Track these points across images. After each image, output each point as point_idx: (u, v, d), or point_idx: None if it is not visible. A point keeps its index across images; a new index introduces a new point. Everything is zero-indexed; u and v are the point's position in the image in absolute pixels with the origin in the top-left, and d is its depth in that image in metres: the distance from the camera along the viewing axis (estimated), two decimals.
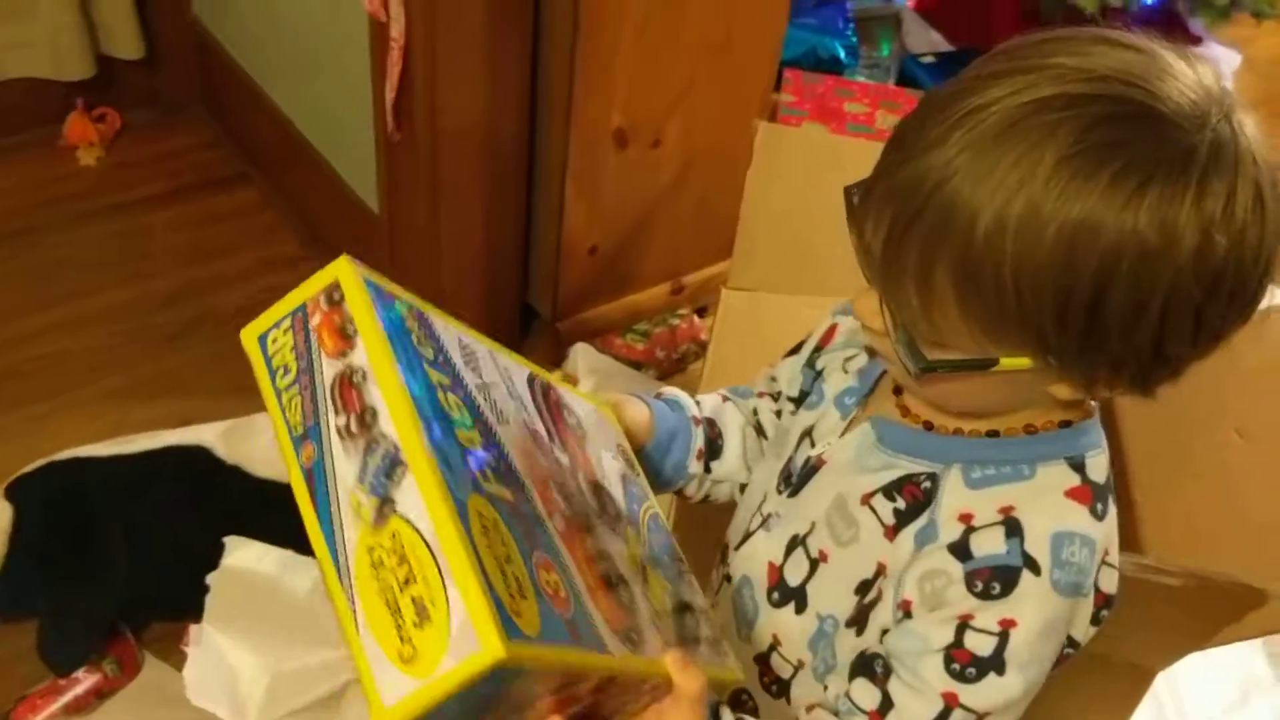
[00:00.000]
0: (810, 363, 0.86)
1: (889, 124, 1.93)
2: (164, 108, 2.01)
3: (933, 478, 0.71)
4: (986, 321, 0.61)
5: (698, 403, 0.89)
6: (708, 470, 0.88)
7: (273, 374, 0.59)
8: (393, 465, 0.53)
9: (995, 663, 0.66)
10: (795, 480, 0.80)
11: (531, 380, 0.73)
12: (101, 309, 1.69)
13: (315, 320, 0.58)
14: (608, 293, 1.64)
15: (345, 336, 0.57)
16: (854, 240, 0.65)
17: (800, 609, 0.77)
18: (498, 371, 0.68)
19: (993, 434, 0.70)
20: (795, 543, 0.78)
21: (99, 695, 1.19)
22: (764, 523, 0.82)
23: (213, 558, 1.18)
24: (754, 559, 0.82)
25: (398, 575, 0.51)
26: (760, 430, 0.91)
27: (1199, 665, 1.31)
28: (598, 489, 0.71)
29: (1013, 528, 0.67)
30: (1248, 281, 0.60)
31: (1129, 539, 1.14)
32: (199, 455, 1.24)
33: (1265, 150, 0.60)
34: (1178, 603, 0.95)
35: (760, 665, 0.80)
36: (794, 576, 0.78)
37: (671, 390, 0.90)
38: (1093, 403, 0.71)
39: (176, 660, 1.20)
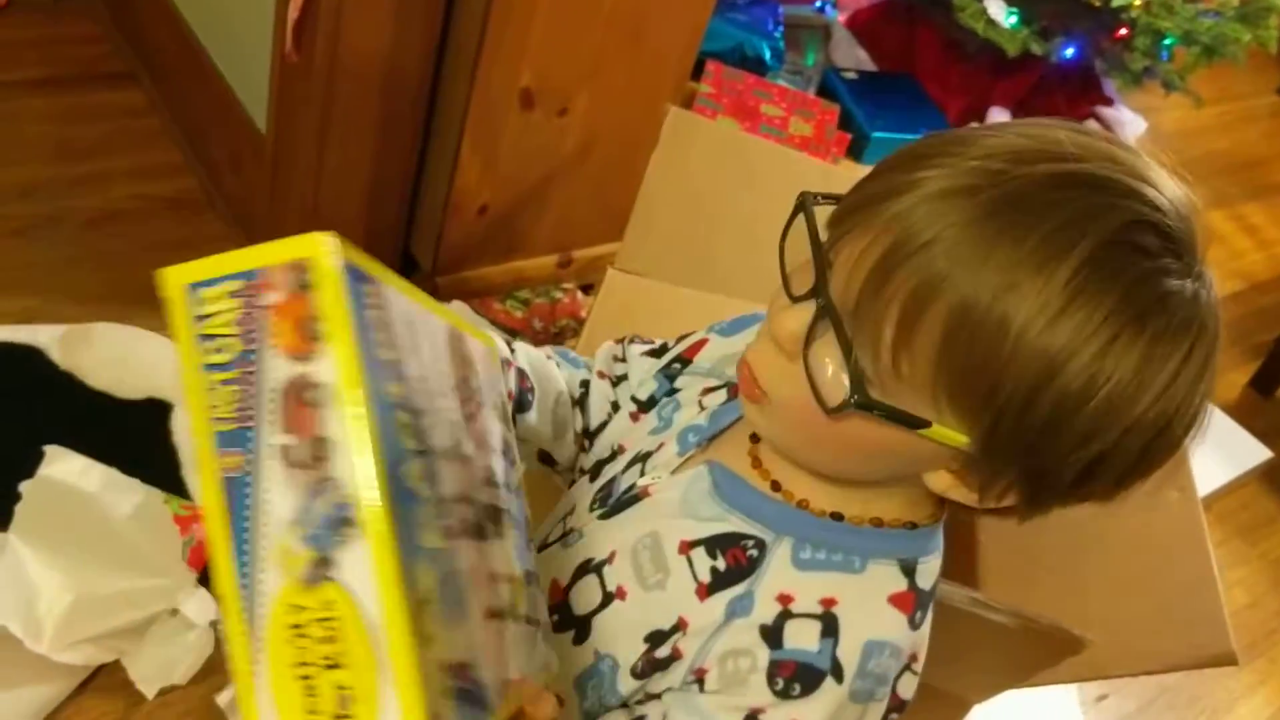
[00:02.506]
0: (668, 372, 0.81)
1: (801, 131, 1.94)
2: None
3: (761, 546, 0.67)
4: (955, 387, 0.56)
5: (513, 350, 0.81)
6: (516, 415, 0.80)
7: (200, 342, 0.47)
8: (342, 521, 0.44)
9: None
10: (612, 504, 0.75)
11: (450, 340, 0.60)
12: None
13: (271, 299, 0.46)
14: (493, 255, 1.61)
15: (309, 337, 0.45)
16: (809, 251, 0.60)
17: (580, 639, 0.72)
18: (430, 343, 0.57)
19: (837, 517, 0.66)
20: (588, 568, 0.72)
21: None
22: (564, 536, 0.77)
23: (29, 465, 1.11)
24: (541, 571, 0.75)
25: (323, 651, 0.44)
26: (582, 407, 0.85)
27: (1011, 704, 1.34)
28: (491, 479, 0.62)
29: (829, 626, 0.63)
30: (1174, 441, 0.58)
31: (966, 574, 1.15)
32: (31, 355, 1.17)
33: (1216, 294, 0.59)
34: (1001, 641, 0.95)
35: None
36: (581, 604, 0.72)
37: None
38: (943, 510, 0.69)
39: None
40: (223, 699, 1.11)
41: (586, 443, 0.85)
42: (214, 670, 1.14)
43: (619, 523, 0.73)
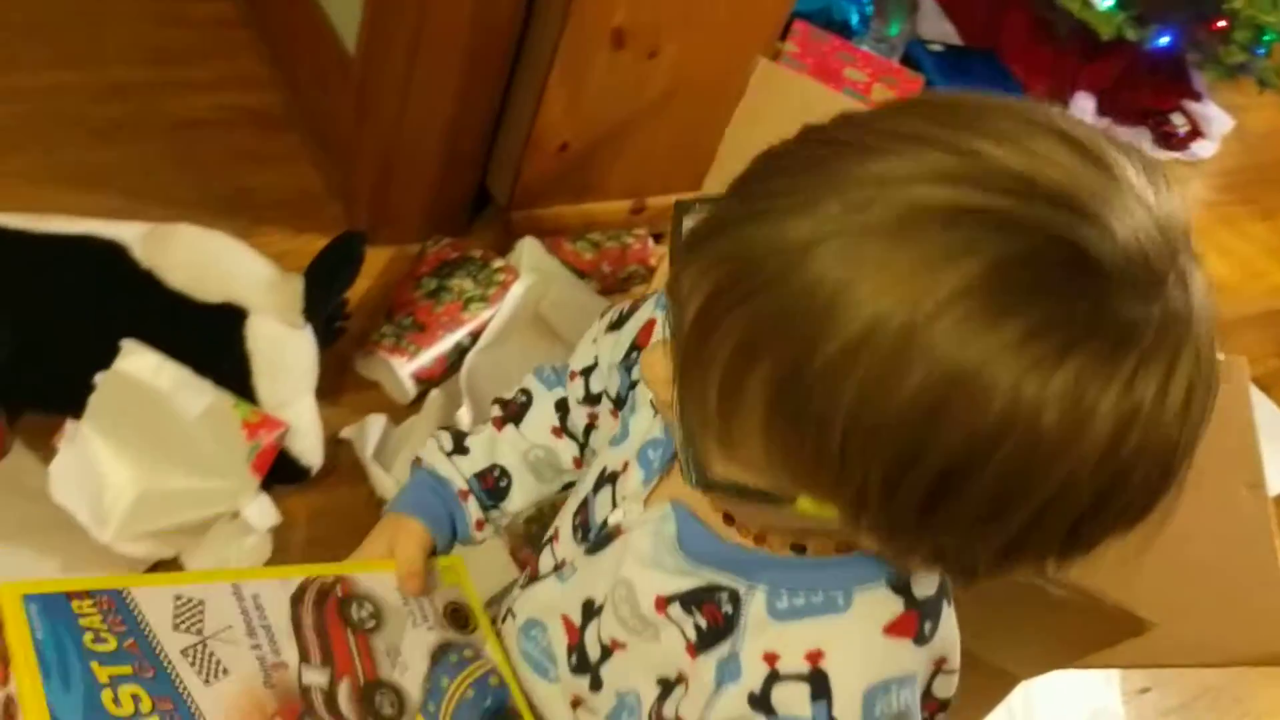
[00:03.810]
0: (628, 363, 0.74)
1: (883, 98, 1.91)
2: None
3: (735, 599, 0.60)
4: (792, 458, 0.47)
5: (465, 452, 0.81)
6: (494, 513, 0.81)
7: None
8: None
9: None
10: (593, 539, 0.70)
11: (300, 596, 0.72)
12: (37, 84, 1.59)
13: None
14: (568, 195, 1.60)
15: (5, 664, 0.59)
16: (667, 284, 0.50)
17: (595, 687, 0.70)
18: (237, 609, 0.69)
19: (799, 549, 0.59)
20: (591, 611, 0.69)
21: None
22: (557, 569, 0.73)
23: (105, 358, 1.12)
24: (547, 608, 0.73)
25: None
26: (567, 431, 0.82)
27: (1054, 687, 1.33)
28: (372, 690, 0.70)
29: (819, 686, 0.56)
30: (1144, 493, 0.47)
31: None
32: (113, 251, 1.17)
33: (1211, 317, 0.46)
34: (1059, 616, 0.95)
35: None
36: (592, 652, 0.69)
37: (431, 461, 0.81)
38: None
39: (44, 455, 1.15)
40: None
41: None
42: None
43: (600, 563, 0.69)
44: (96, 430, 1.12)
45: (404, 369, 1.36)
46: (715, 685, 0.60)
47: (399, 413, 1.35)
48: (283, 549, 1.17)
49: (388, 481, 1.24)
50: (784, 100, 1.50)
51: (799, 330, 0.43)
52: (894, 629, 0.58)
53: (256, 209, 1.52)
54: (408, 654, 0.75)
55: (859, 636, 0.58)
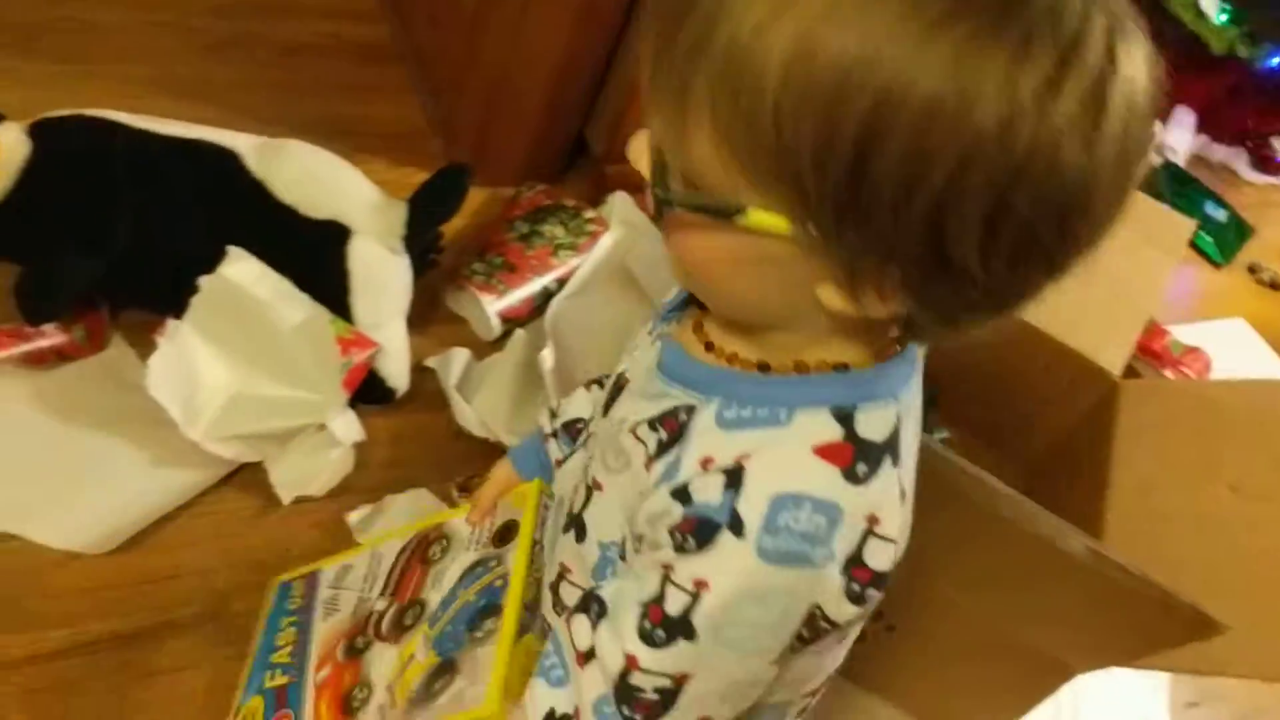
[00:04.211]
0: None
1: None
2: None
3: (690, 411, 0.64)
4: (741, 151, 0.51)
5: (558, 412, 0.92)
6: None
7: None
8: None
9: (684, 626, 0.60)
10: (608, 399, 0.75)
11: (408, 545, 0.95)
12: None
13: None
14: None
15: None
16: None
17: (580, 537, 0.74)
18: (366, 564, 0.97)
19: (764, 368, 0.63)
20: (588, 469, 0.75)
21: (60, 356, 1.17)
22: (586, 441, 0.79)
23: (211, 262, 1.15)
24: (565, 479, 0.80)
25: None
26: None
27: (1103, 692, 1.33)
28: (404, 608, 0.88)
29: (734, 479, 0.59)
30: (1051, 211, 0.49)
31: (1092, 526, 1.14)
32: (228, 158, 1.20)
33: (1143, 75, 0.50)
34: (1127, 608, 0.95)
35: (553, 594, 0.78)
36: (576, 503, 0.75)
37: (539, 419, 0.93)
38: (896, 347, 0.63)
39: (142, 350, 1.18)
40: (352, 518, 1.15)
41: None
42: (349, 490, 1.18)
43: (610, 416, 0.73)
44: (196, 331, 1.15)
45: (492, 306, 1.38)
46: (654, 486, 0.63)
47: (482, 349, 1.38)
48: (363, 465, 1.20)
49: (468, 412, 1.26)
50: None
51: (724, 28, 0.49)
52: (824, 452, 0.59)
53: (357, 137, 1.54)
54: (448, 574, 0.87)
55: (788, 448, 0.59)
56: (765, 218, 0.53)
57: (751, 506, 0.58)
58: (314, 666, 0.90)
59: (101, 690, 0.99)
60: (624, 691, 0.63)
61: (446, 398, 1.29)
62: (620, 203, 1.55)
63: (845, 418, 0.60)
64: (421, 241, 1.26)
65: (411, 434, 1.27)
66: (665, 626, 0.61)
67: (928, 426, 0.71)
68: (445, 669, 0.80)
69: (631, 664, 0.62)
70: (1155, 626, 0.97)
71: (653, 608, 0.61)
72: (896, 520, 0.61)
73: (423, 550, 0.93)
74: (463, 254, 1.44)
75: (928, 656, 1.16)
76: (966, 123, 0.46)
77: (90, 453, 1.14)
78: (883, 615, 1.15)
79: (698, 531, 0.59)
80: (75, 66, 1.48)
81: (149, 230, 1.16)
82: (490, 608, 0.82)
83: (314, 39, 1.69)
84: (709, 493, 0.59)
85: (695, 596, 0.59)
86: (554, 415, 0.93)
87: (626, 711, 0.64)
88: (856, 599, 0.60)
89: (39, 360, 1.16)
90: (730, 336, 0.65)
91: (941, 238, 0.50)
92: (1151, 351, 1.63)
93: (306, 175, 1.22)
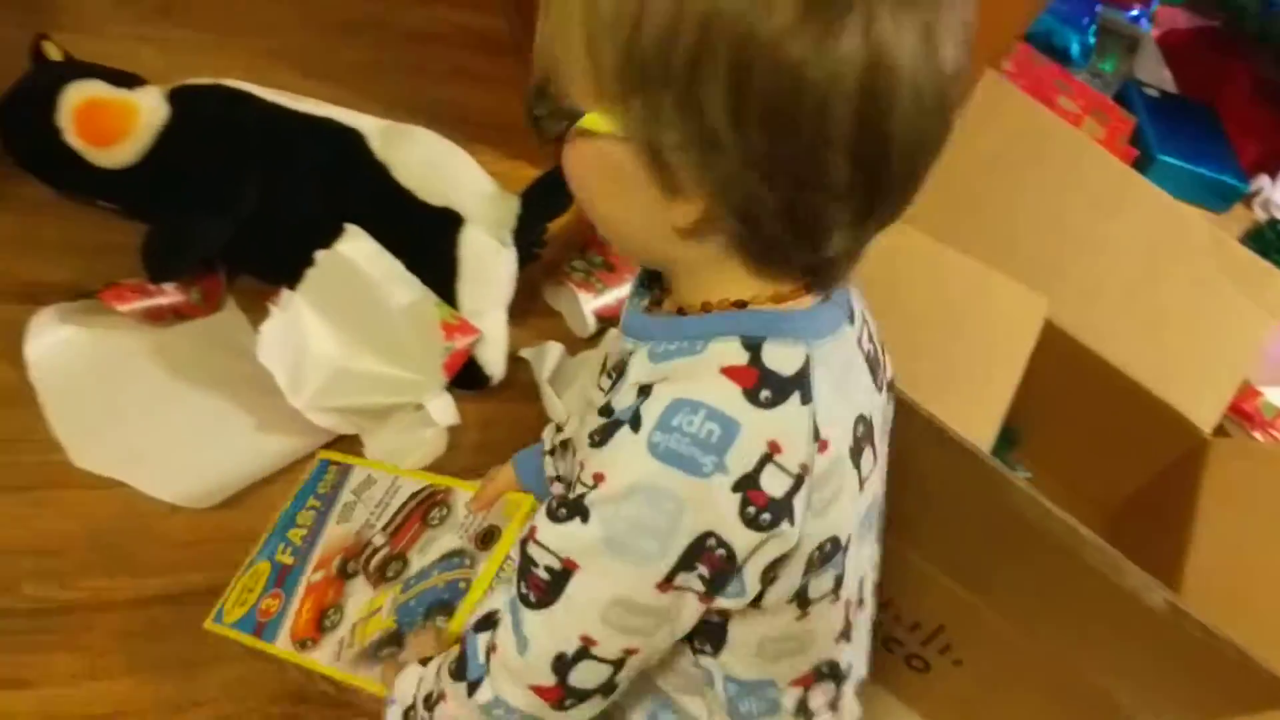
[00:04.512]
0: None
1: (1093, 133, 1.89)
2: None
3: (630, 355, 0.69)
4: (596, 52, 0.58)
5: (559, 429, 0.97)
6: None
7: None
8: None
9: (579, 507, 0.64)
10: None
11: (419, 492, 1.05)
12: None
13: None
14: None
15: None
16: None
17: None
18: (385, 489, 1.07)
19: (681, 312, 0.69)
20: None
21: (177, 314, 1.22)
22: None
23: (328, 236, 1.19)
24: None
25: None
26: None
27: None
28: (391, 558, 0.99)
29: (645, 391, 0.64)
30: (787, 83, 0.55)
31: (1170, 581, 1.13)
32: (353, 138, 1.24)
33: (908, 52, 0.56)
34: (1207, 666, 0.95)
35: None
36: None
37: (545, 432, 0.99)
38: (804, 294, 0.67)
39: (254, 317, 1.22)
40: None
41: None
42: (439, 469, 1.21)
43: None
44: (308, 303, 1.18)
45: (588, 304, 1.41)
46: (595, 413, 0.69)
47: (576, 345, 1.40)
48: (454, 447, 1.23)
49: (558, 405, 1.29)
50: (1004, 113, 1.51)
51: None
52: (729, 372, 0.63)
53: (471, 127, 1.57)
54: (434, 546, 0.98)
55: (697, 368, 0.65)
56: (599, 120, 0.60)
57: (651, 407, 0.62)
58: (313, 565, 1.02)
59: (188, 639, 1.03)
60: (524, 565, 0.68)
61: (538, 389, 1.32)
62: None
63: (753, 347, 0.64)
64: (530, 235, 1.29)
65: (502, 420, 1.30)
66: (565, 505, 0.65)
67: (1009, 464, 0.72)
68: (394, 639, 0.90)
69: (531, 533, 0.67)
70: (1231, 688, 0.96)
71: (559, 496, 0.67)
72: (800, 455, 0.63)
73: (425, 509, 1.02)
74: (564, 250, 1.47)
75: (994, 693, 1.17)
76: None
77: (198, 411, 1.18)
78: (950, 649, 1.16)
79: (604, 430, 0.64)
80: (208, 36, 1.53)
81: (273, 201, 1.20)
82: (448, 605, 0.90)
83: (438, 27, 1.73)
84: (623, 401, 0.65)
85: (593, 487, 0.64)
86: (558, 430, 0.97)
87: (523, 588, 0.68)
88: (751, 523, 0.62)
89: (157, 317, 1.20)
90: (665, 295, 0.72)
91: (701, 109, 0.57)
92: (1243, 411, 1.61)
93: (427, 162, 1.25)
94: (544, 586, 0.66)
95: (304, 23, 1.63)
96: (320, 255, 1.18)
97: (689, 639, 0.72)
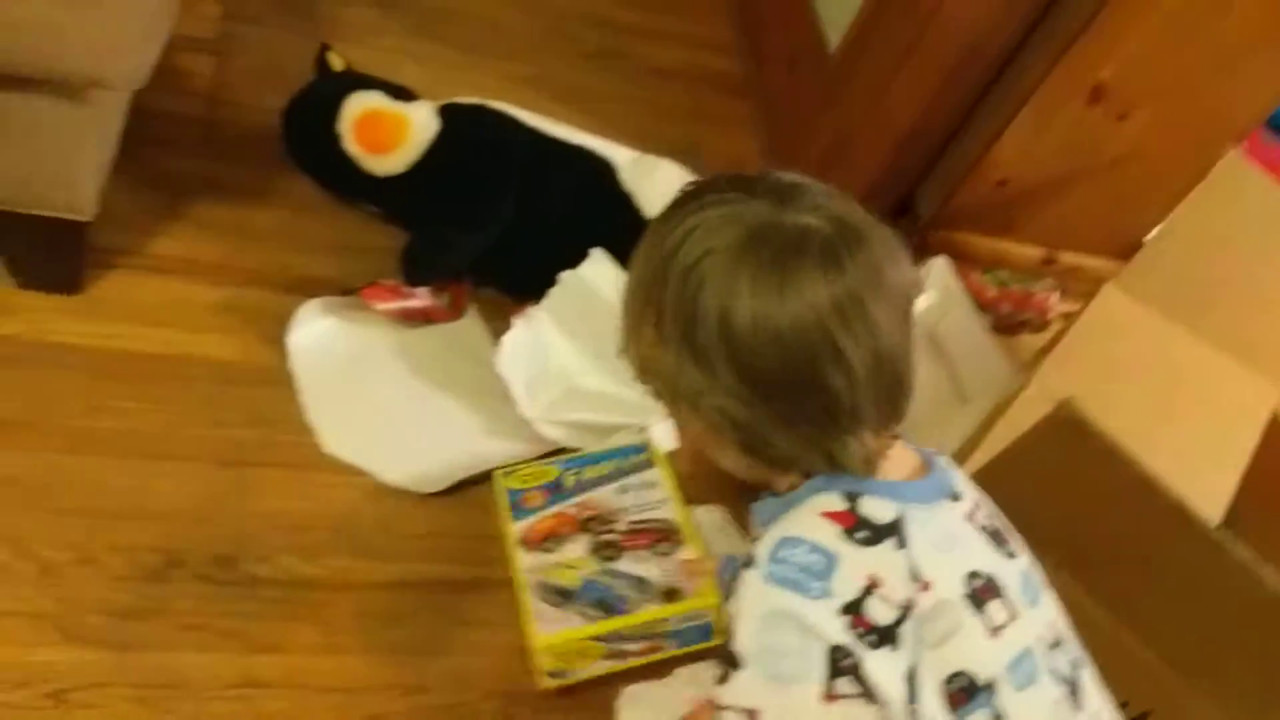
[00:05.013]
0: None
1: None
2: None
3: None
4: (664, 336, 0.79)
5: None
6: None
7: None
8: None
9: (730, 658, 0.72)
10: None
11: (668, 521, 1.17)
12: (551, 2, 1.77)
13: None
14: (988, 227, 1.63)
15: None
16: None
17: None
18: (655, 498, 1.19)
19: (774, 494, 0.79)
20: None
21: (426, 317, 1.29)
22: None
23: (573, 259, 1.24)
24: None
25: None
26: None
27: None
28: (611, 545, 1.14)
29: (757, 538, 0.75)
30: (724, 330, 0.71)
31: None
32: (604, 168, 1.29)
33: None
34: None
35: None
36: None
37: None
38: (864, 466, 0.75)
39: (494, 328, 1.28)
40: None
41: None
42: None
43: None
44: (552, 320, 1.24)
45: None
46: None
47: None
48: None
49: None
50: (1242, 194, 1.48)
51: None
52: (829, 515, 0.73)
53: (697, 161, 1.62)
54: (640, 565, 1.13)
55: (800, 512, 0.75)
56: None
57: (764, 548, 0.73)
58: (578, 502, 1.18)
59: (419, 627, 1.09)
60: None
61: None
62: (940, 268, 1.58)
63: (852, 496, 0.74)
64: None
65: None
66: (722, 660, 0.73)
67: None
68: (566, 594, 1.10)
69: (716, 705, 0.73)
70: None
71: (721, 655, 0.74)
72: (903, 591, 0.71)
73: (662, 536, 1.17)
74: None
75: None
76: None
77: (432, 408, 1.25)
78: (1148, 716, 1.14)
79: (734, 578, 0.74)
80: (468, 56, 1.62)
81: (528, 220, 1.26)
82: (609, 606, 1.10)
83: (678, 63, 1.79)
84: (743, 550, 0.76)
85: (735, 635, 0.72)
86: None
87: None
88: (867, 641, 0.70)
89: (407, 317, 1.28)
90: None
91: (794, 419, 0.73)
92: None
93: (669, 195, 1.29)
94: None
95: (556, 51, 1.71)
96: (564, 275, 1.24)
97: None
